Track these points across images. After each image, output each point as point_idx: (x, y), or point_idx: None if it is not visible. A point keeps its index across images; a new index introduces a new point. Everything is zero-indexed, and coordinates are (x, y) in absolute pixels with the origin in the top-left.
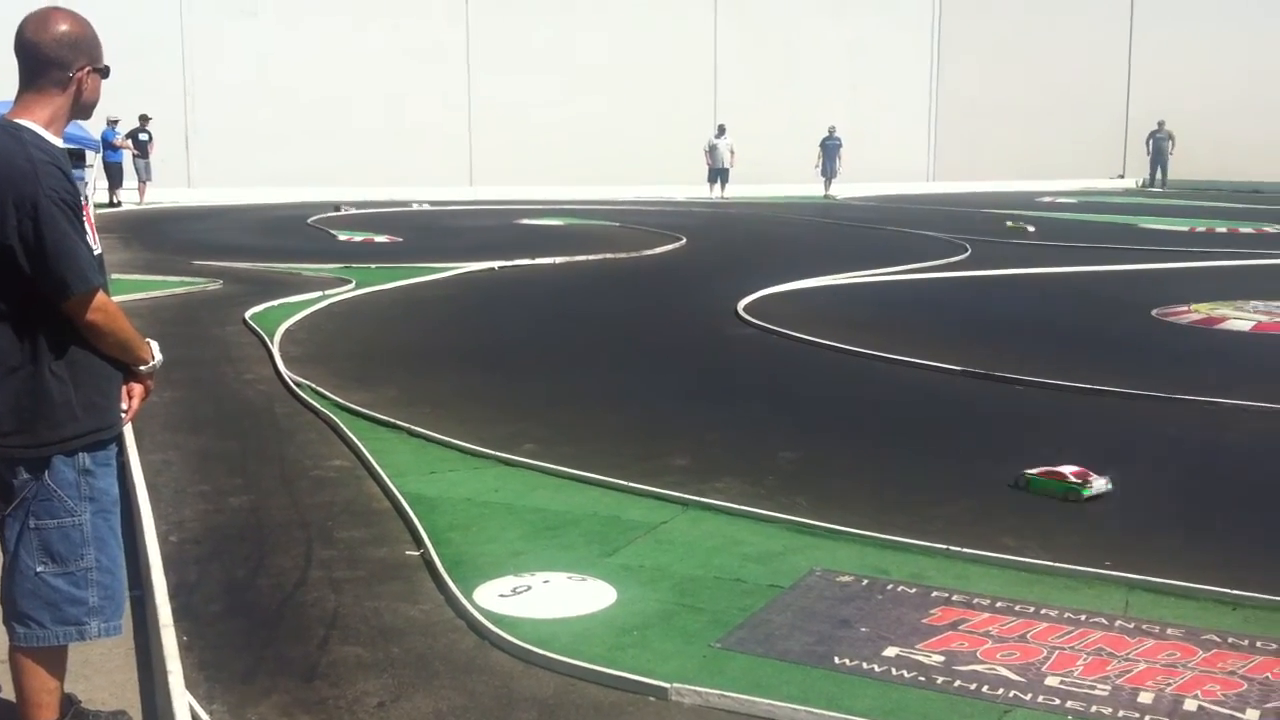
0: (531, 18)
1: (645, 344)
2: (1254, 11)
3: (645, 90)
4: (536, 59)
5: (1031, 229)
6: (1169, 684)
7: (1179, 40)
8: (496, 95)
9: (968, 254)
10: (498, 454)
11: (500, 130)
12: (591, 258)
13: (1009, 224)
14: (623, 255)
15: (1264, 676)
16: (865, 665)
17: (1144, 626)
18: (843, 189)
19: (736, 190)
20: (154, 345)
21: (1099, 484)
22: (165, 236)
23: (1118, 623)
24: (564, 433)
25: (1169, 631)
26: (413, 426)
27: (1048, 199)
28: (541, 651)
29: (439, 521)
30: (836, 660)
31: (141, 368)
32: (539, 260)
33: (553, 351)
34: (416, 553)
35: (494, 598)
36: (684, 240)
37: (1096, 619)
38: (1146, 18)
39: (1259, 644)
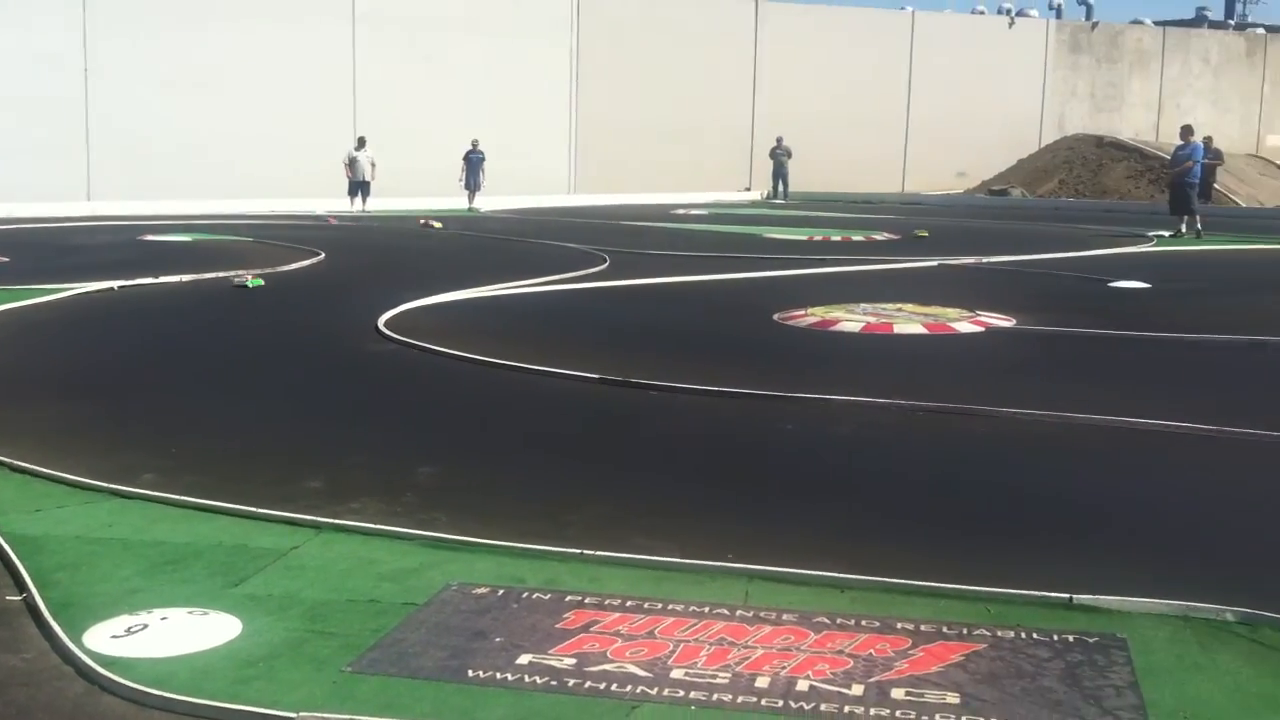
0: (155, 26)
1: (278, 363)
2: (866, 34)
3: (280, 102)
4: (162, 69)
5: (926, 234)
6: (784, 667)
7: (798, 63)
8: (117, 105)
9: (606, 265)
10: (112, 486)
11: (120, 141)
12: (221, 275)
13: (917, 232)
14: (256, 272)
15: (868, 653)
16: (499, 675)
17: (762, 614)
18: (487, 202)
19: (379, 203)
20: None
21: None
22: None
23: (738, 612)
24: (187, 461)
25: (784, 617)
26: (14, 461)
27: (681, 210)
28: (158, 692)
29: (45, 562)
30: (470, 673)
31: None
32: (163, 279)
33: (178, 376)
34: (19, 598)
35: (105, 639)
36: (323, 255)
37: (719, 610)
38: (768, 41)
39: (864, 622)
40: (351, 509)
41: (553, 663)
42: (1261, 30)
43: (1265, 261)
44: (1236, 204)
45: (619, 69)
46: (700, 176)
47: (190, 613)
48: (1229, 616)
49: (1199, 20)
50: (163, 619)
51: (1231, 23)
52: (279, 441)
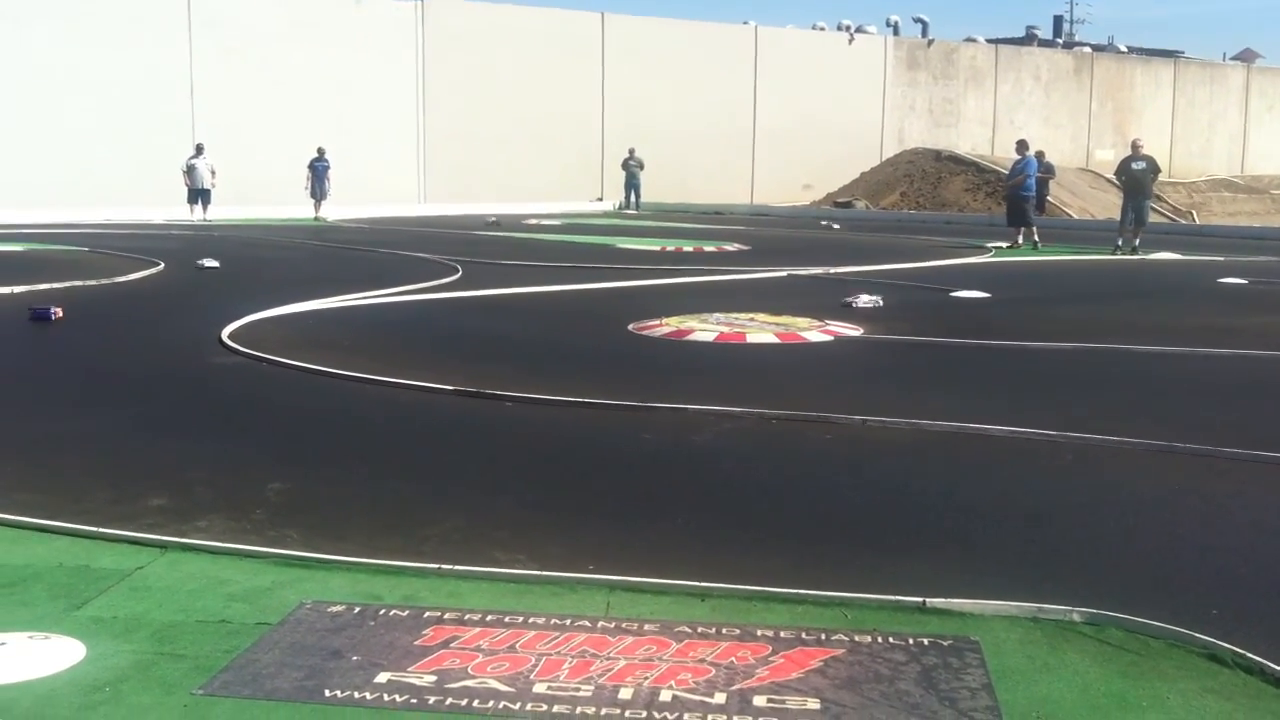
0: None
1: (117, 378)
2: (711, 47)
3: (114, 107)
4: None
5: (837, 226)
6: (646, 678)
7: (646, 75)
8: None
9: (459, 275)
10: None
11: None
12: (56, 286)
13: (823, 223)
14: (92, 283)
15: (729, 661)
16: (357, 695)
17: (624, 625)
18: (334, 211)
19: (221, 212)
20: None
21: None
22: None
23: (600, 624)
24: (21, 480)
25: (646, 627)
26: None
27: (533, 220)
28: None
29: None
30: (327, 693)
31: None
32: None
33: (7, 390)
34: None
35: None
36: (162, 265)
37: (581, 622)
38: (616, 54)
39: (724, 630)
40: (198, 527)
41: (412, 680)
42: (1088, 49)
43: (1097, 271)
44: (1069, 216)
45: (468, 78)
46: (553, 187)
47: (31, 637)
48: (1076, 617)
49: (1029, 39)
50: (1, 644)
51: (1060, 41)
52: (119, 459)
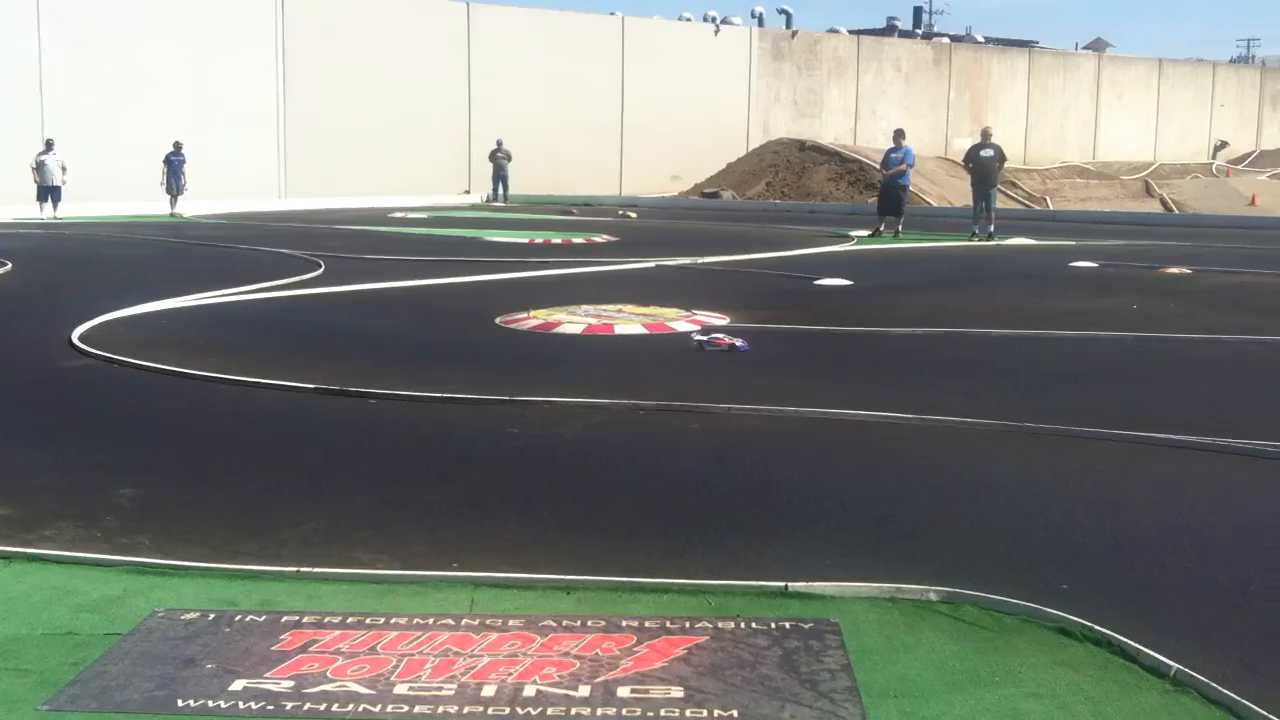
0: None
1: None
2: (577, 37)
3: None
4: None
5: (633, 214)
6: (510, 674)
7: (513, 67)
8: None
9: (321, 270)
10: None
11: None
12: None
13: (620, 211)
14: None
15: (594, 653)
16: (211, 703)
17: (488, 622)
18: (191, 206)
19: (73, 209)
20: None
21: None
22: None
23: (464, 621)
24: None
25: (511, 623)
26: None
27: (400, 214)
28: None
29: None
30: (180, 703)
31: None
32: None
33: None
34: None
35: None
36: (9, 266)
37: (444, 620)
38: (481, 43)
39: (589, 623)
40: (45, 536)
41: (269, 687)
42: (947, 40)
43: (955, 258)
44: (928, 204)
45: (330, 70)
46: (418, 179)
47: None
48: (933, 596)
49: (890, 30)
50: None
51: (919, 32)
52: None
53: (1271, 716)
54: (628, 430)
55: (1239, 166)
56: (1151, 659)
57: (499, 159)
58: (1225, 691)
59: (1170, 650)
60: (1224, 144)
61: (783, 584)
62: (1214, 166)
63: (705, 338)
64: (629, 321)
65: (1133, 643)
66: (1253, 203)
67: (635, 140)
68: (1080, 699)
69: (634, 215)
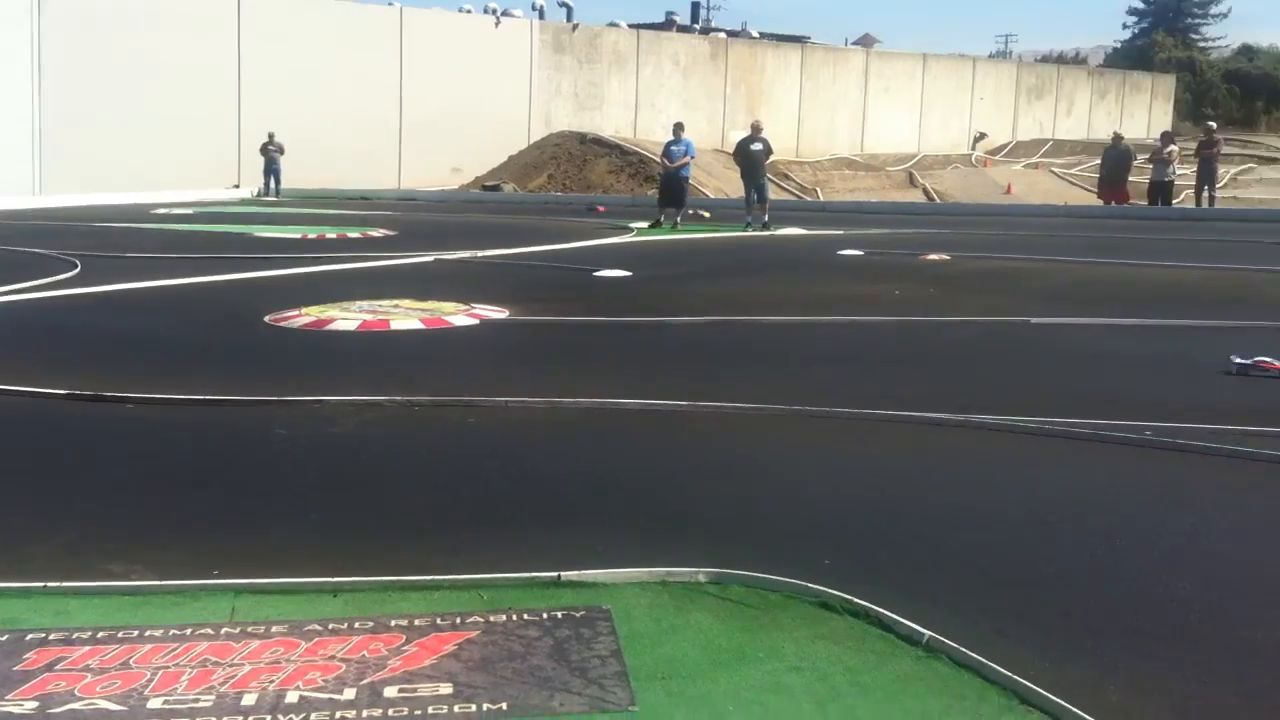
0: None
1: None
2: (353, 27)
3: None
4: None
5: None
6: (272, 681)
7: (285, 57)
8: None
9: (77, 270)
10: None
11: None
12: None
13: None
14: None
15: (360, 655)
16: None
17: (250, 629)
18: None
19: None
20: None
21: None
22: None
23: (224, 630)
24: None
25: (274, 629)
26: None
27: (164, 210)
28: None
29: None
30: None
31: None
32: None
33: None
34: None
35: None
36: None
37: (203, 630)
38: (251, 32)
39: (357, 624)
40: None
41: (11, 709)
42: (723, 35)
43: (731, 248)
44: (706, 195)
45: (90, 60)
46: (186, 174)
47: None
48: (702, 578)
49: (668, 24)
50: None
51: (697, 27)
52: None
53: (1015, 676)
54: (401, 427)
55: (996, 157)
56: (906, 628)
57: (270, 152)
58: (973, 655)
59: (926, 620)
60: (983, 135)
61: (555, 574)
62: (973, 157)
63: (1248, 361)
64: (406, 317)
65: (889, 613)
66: (1008, 191)
67: (415, 133)
68: (839, 669)
69: (602, 209)
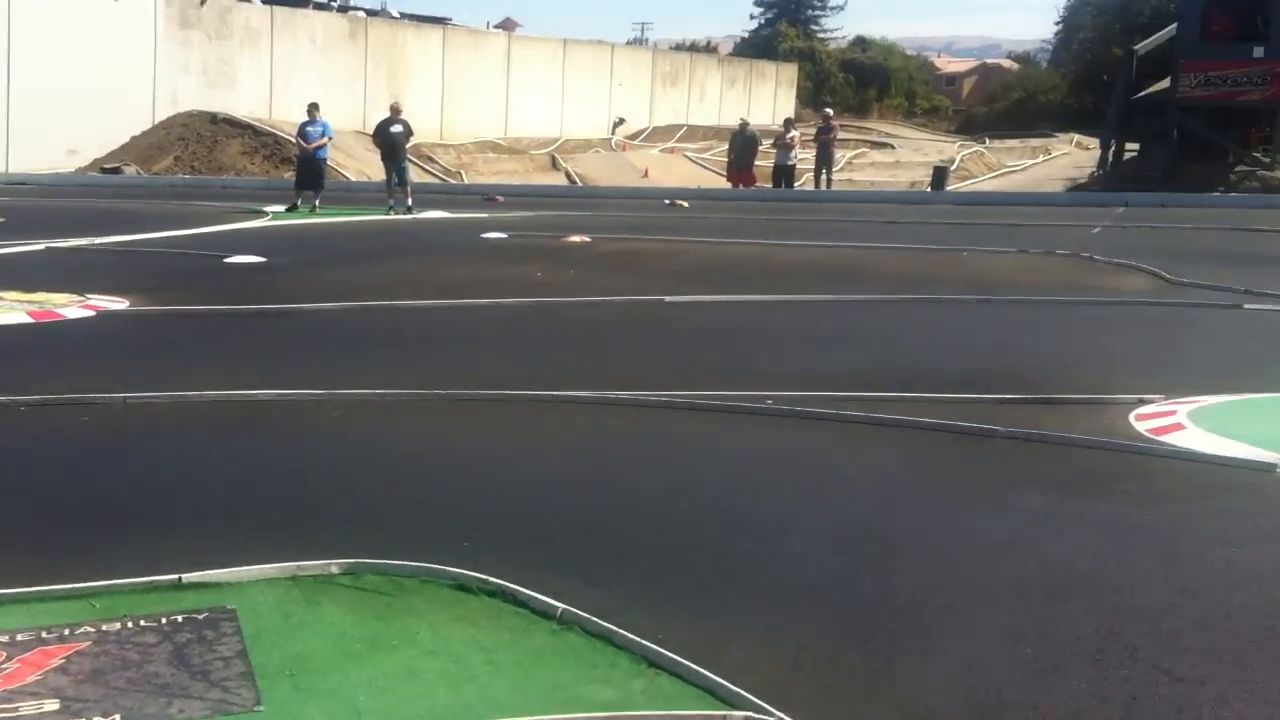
0: None
1: None
2: None
3: None
4: None
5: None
6: None
7: None
8: None
9: None
10: None
11: None
12: None
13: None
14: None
15: None
16: None
17: None
18: None
19: None
20: None
21: None
22: None
23: None
24: None
25: None
26: None
27: None
28: None
29: None
30: None
31: None
32: None
33: None
34: None
35: None
36: None
37: None
38: None
39: None
40: None
41: None
42: (363, 14)
43: (373, 232)
44: (347, 178)
45: None
46: None
47: None
48: (335, 569)
49: (305, 1)
50: None
51: (335, 4)
52: None
53: (641, 640)
54: (5, 430)
55: (635, 141)
56: (541, 603)
57: None
58: (604, 624)
59: (561, 594)
60: (622, 120)
61: (176, 577)
62: (613, 142)
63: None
64: (11, 310)
65: (523, 589)
66: (645, 175)
67: (25, 113)
68: (474, 650)
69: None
